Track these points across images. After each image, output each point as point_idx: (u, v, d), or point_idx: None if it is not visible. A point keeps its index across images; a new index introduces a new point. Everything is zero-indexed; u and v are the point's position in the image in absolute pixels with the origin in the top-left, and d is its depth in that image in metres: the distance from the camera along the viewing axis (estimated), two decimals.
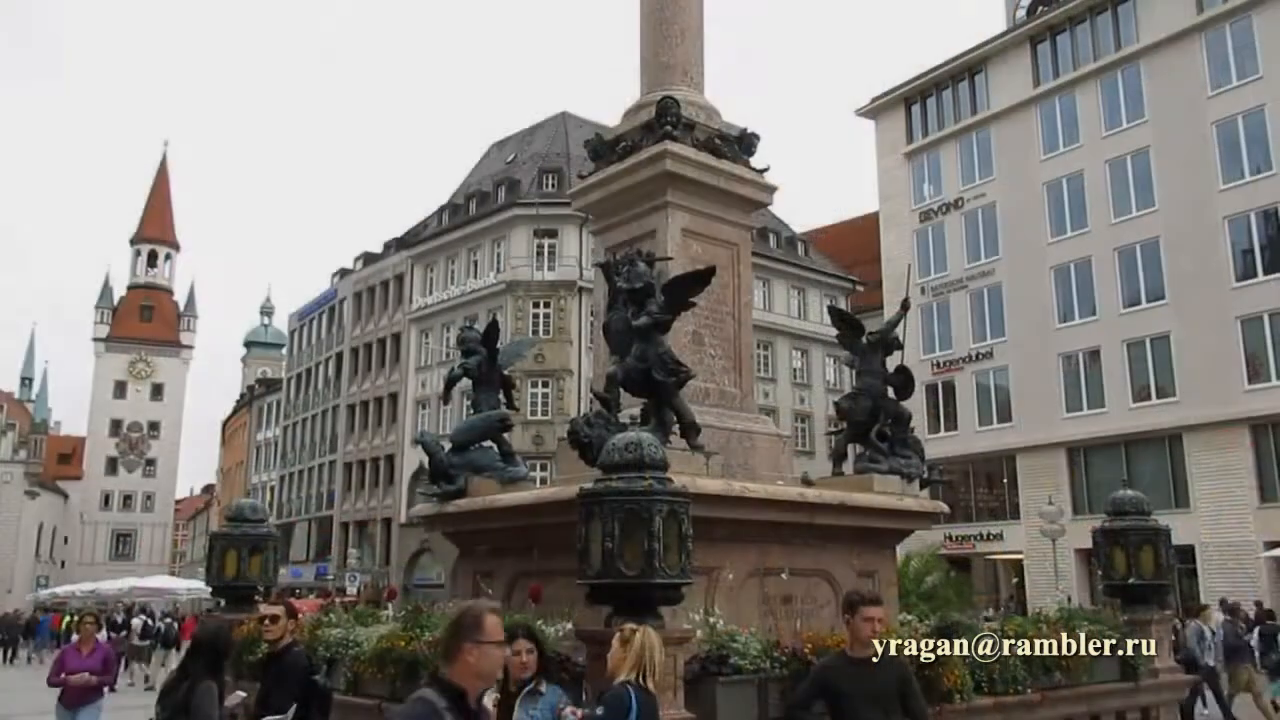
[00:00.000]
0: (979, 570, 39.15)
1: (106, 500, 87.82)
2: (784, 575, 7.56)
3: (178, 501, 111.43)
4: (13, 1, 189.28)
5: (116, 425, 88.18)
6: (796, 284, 53.37)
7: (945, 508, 9.55)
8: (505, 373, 9.78)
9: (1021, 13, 41.75)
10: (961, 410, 39.69)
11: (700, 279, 7.91)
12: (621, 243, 9.45)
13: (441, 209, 52.85)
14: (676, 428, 7.71)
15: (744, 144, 9.75)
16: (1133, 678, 8.03)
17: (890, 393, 9.34)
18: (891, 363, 9.43)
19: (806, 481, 9.26)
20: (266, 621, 6.58)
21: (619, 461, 5.45)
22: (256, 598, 8.95)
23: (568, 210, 42.26)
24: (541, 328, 43.89)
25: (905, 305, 9.59)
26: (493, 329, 9.68)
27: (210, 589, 9.46)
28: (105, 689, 10.79)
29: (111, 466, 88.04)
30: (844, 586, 8.53)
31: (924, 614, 9.03)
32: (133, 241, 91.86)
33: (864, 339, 9.39)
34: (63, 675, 10.38)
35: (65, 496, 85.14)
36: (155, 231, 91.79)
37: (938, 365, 40.42)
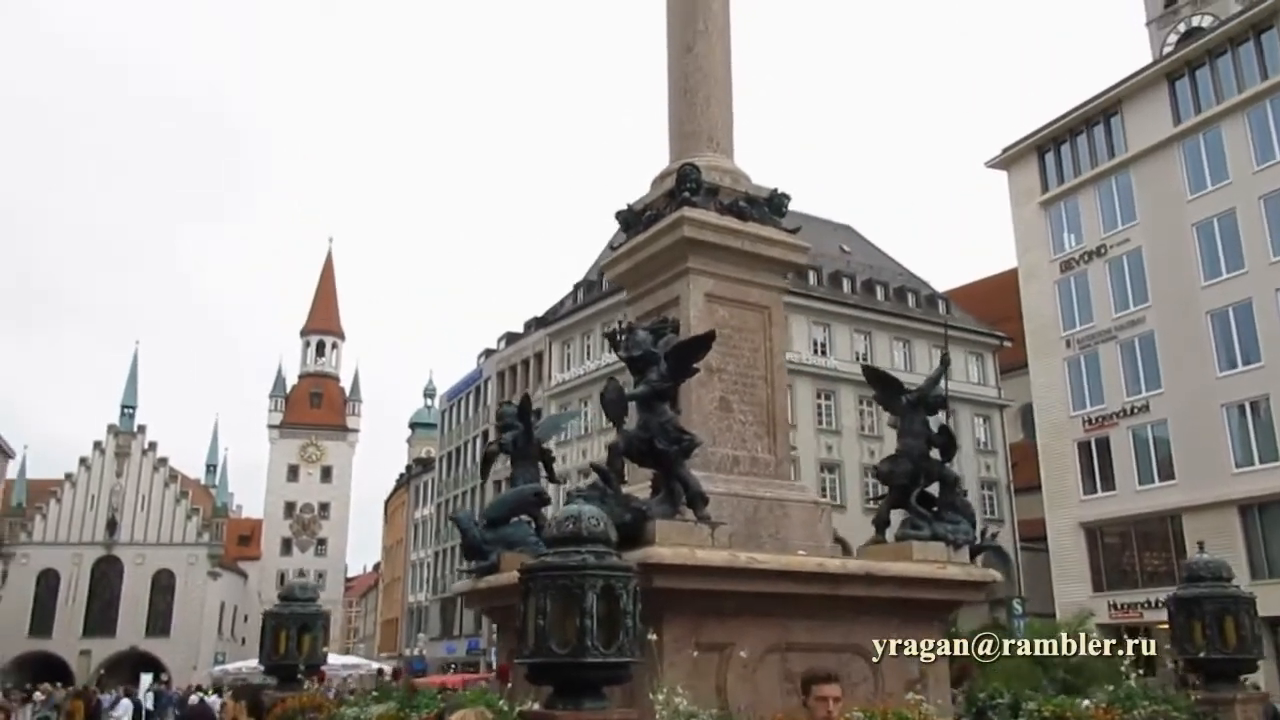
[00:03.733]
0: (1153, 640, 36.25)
1: (282, 579, 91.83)
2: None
3: (349, 579, 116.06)
4: (189, 111, 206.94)
5: (290, 507, 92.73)
6: (939, 343, 51.66)
7: (997, 576, 8.88)
8: (544, 447, 9.79)
9: (1169, 48, 39.98)
10: (1119, 468, 37.28)
11: (701, 344, 7.76)
12: (649, 311, 9.40)
13: (577, 286, 54.07)
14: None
15: (773, 205, 9.58)
16: None
17: (935, 454, 8.83)
18: (934, 423, 8.94)
19: (845, 549, 8.83)
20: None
21: (556, 535, 5.32)
22: (299, 675, 9.10)
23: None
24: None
25: (945, 360, 9.14)
26: (526, 403, 9.72)
27: (263, 667, 9.71)
28: None
29: (286, 547, 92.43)
30: (884, 663, 8.06)
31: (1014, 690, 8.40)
32: (302, 333, 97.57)
33: (903, 398, 8.94)
34: None
35: (244, 576, 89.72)
36: (322, 323, 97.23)
37: (1090, 421, 38.25)
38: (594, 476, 7.72)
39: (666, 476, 7.59)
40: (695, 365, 7.83)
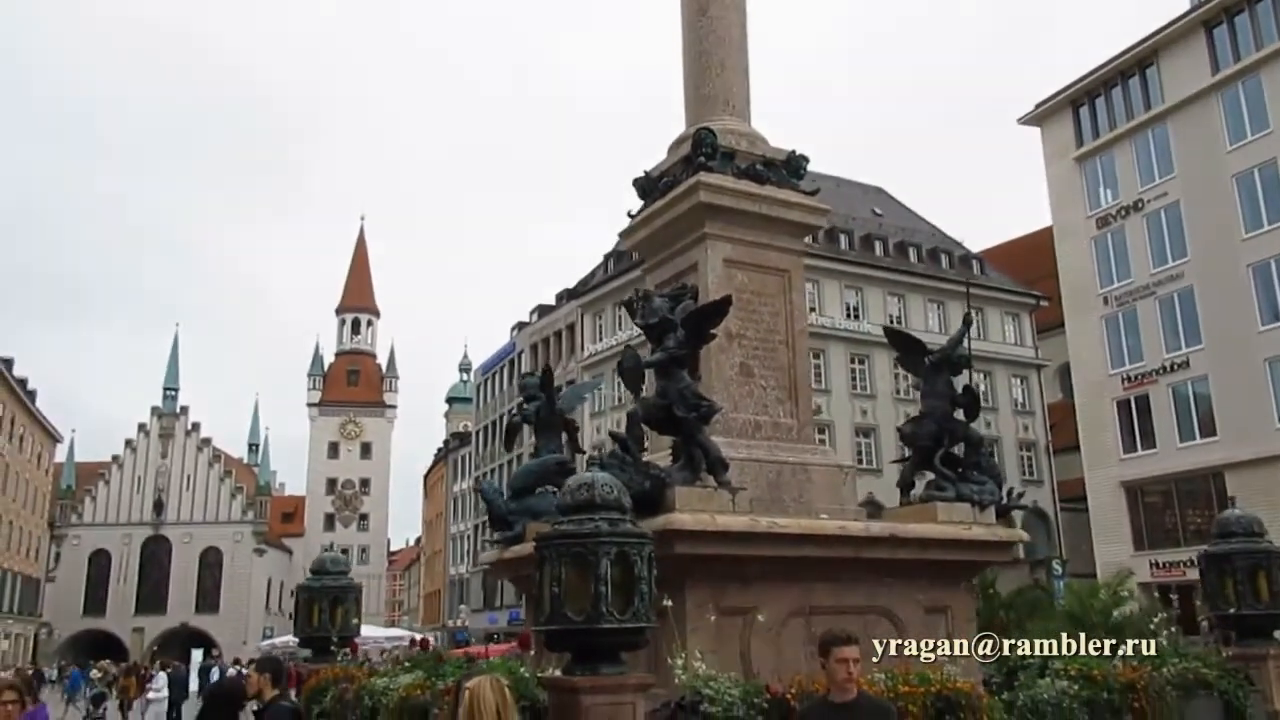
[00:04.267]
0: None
1: None
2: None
3: (392, 553, 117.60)
4: (224, 97, 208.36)
5: (332, 484, 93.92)
6: (974, 304, 51.03)
7: (1024, 535, 8.81)
8: (568, 417, 9.81)
9: None
10: (1159, 426, 36.76)
11: (718, 309, 7.72)
12: (667, 279, 9.36)
13: (607, 257, 53.96)
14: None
15: (791, 168, 9.48)
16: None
17: (960, 415, 8.75)
18: (959, 383, 8.84)
19: (872, 509, 8.78)
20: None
21: (570, 503, 5.34)
22: (331, 647, 9.23)
23: None
24: None
25: (967, 320, 9.01)
26: (548, 374, 9.73)
27: (298, 639, 9.85)
28: None
29: (329, 523, 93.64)
30: (909, 624, 8.05)
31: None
32: (338, 311, 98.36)
33: (926, 359, 8.84)
34: None
35: (289, 553, 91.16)
36: (357, 300, 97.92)
37: (1128, 379, 37.72)
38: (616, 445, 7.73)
39: (686, 443, 7.58)
40: (713, 331, 7.80)
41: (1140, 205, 37.91)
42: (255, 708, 7.08)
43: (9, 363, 61.94)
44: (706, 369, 8.52)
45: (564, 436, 9.68)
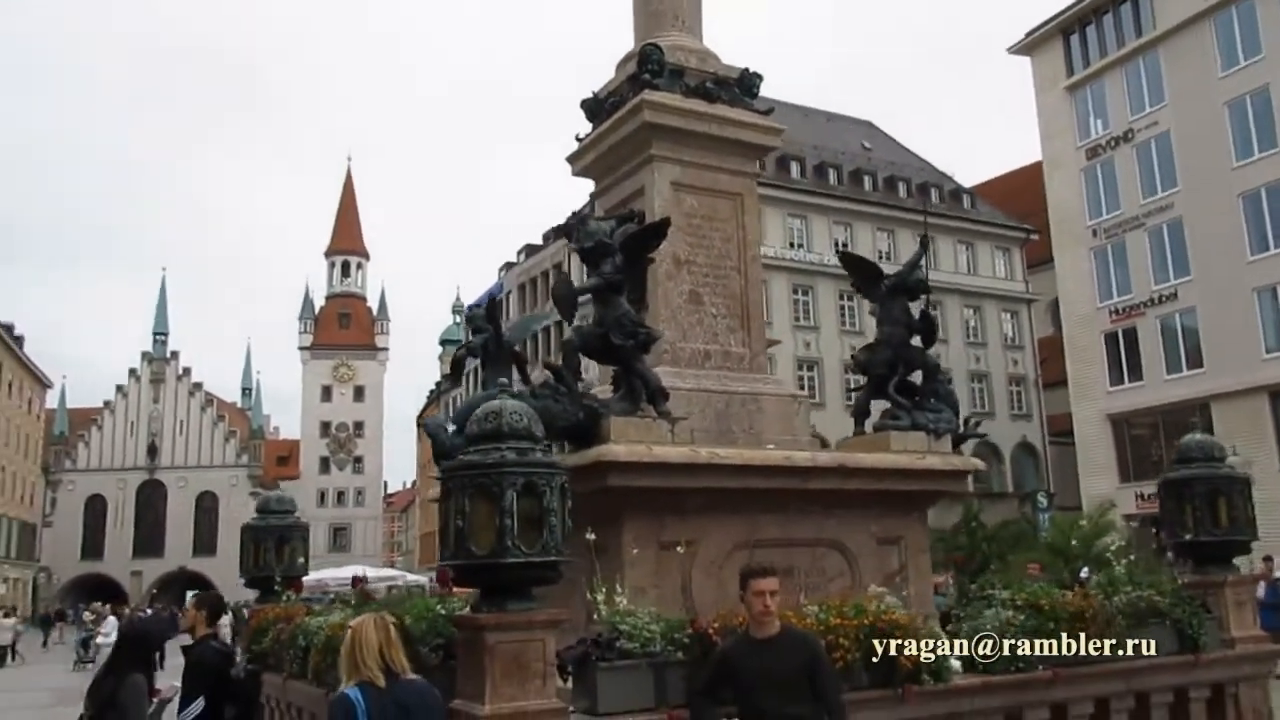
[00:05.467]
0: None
1: (322, 497, 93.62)
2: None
3: (389, 495, 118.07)
4: (206, 40, 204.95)
5: (325, 427, 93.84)
6: (964, 239, 50.62)
7: (978, 464, 8.57)
8: (515, 349, 9.50)
9: None
10: (1146, 359, 36.63)
11: (655, 232, 7.40)
12: (616, 204, 9.01)
13: (593, 194, 53.32)
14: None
15: (744, 86, 9.06)
16: (1192, 649, 6.91)
17: (917, 341, 8.46)
18: (916, 309, 8.54)
19: (823, 442, 8.54)
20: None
21: (476, 433, 5.05)
22: (275, 587, 9.04)
23: None
24: None
25: (924, 243, 8.67)
26: (493, 306, 9.41)
27: (244, 580, 9.65)
28: None
29: (324, 466, 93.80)
30: (861, 556, 7.86)
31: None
32: (327, 254, 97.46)
33: (882, 284, 8.53)
34: None
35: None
36: (346, 243, 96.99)
37: (1116, 312, 37.48)
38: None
39: (626, 373, 7.30)
40: (652, 256, 7.48)
41: (1130, 135, 37.33)
42: (186, 643, 6.92)
43: None
44: (654, 297, 8.22)
45: (513, 370, 9.37)
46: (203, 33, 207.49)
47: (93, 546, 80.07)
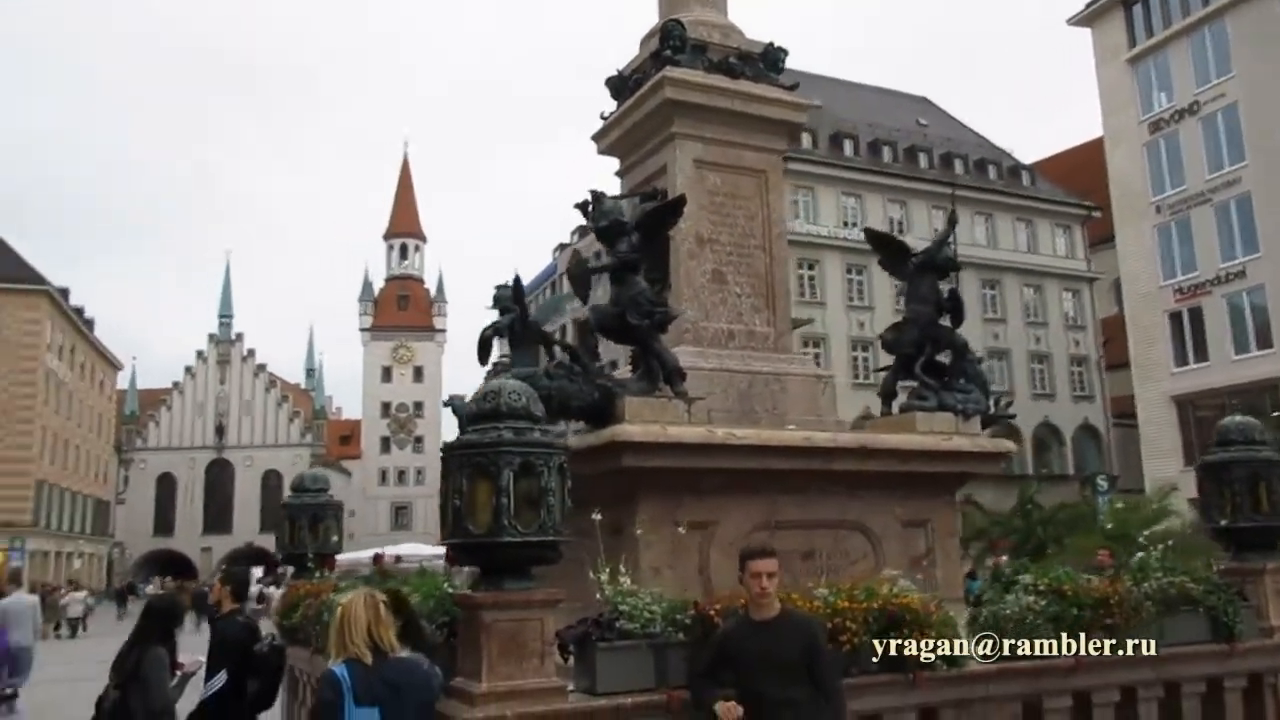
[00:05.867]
0: None
1: (384, 476, 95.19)
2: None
3: None
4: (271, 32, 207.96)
5: (386, 407, 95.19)
6: (1023, 217, 49.53)
7: (1010, 446, 8.36)
8: (543, 329, 9.49)
9: None
10: (1212, 339, 35.56)
11: (672, 210, 7.33)
12: (640, 182, 8.95)
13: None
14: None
15: (769, 60, 8.93)
16: (1227, 638, 6.68)
17: (945, 320, 8.28)
18: (946, 286, 8.35)
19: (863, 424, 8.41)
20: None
21: (475, 412, 5.04)
22: (309, 564, 9.18)
23: (799, 166, 41.51)
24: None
25: (952, 219, 8.47)
26: (519, 285, 9.38)
27: (281, 556, 9.82)
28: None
29: (385, 445, 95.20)
30: (885, 539, 7.75)
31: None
32: (385, 237, 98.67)
33: (910, 261, 8.35)
34: None
35: (348, 474, 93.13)
36: (403, 226, 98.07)
37: (1181, 291, 36.42)
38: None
39: (644, 352, 7.25)
40: (669, 233, 7.41)
41: (1196, 108, 36.13)
42: (214, 616, 7.05)
43: (65, 292, 63.21)
44: (677, 276, 8.15)
45: (540, 349, 9.37)
46: (267, 12, 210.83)
47: (164, 523, 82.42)
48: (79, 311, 66.91)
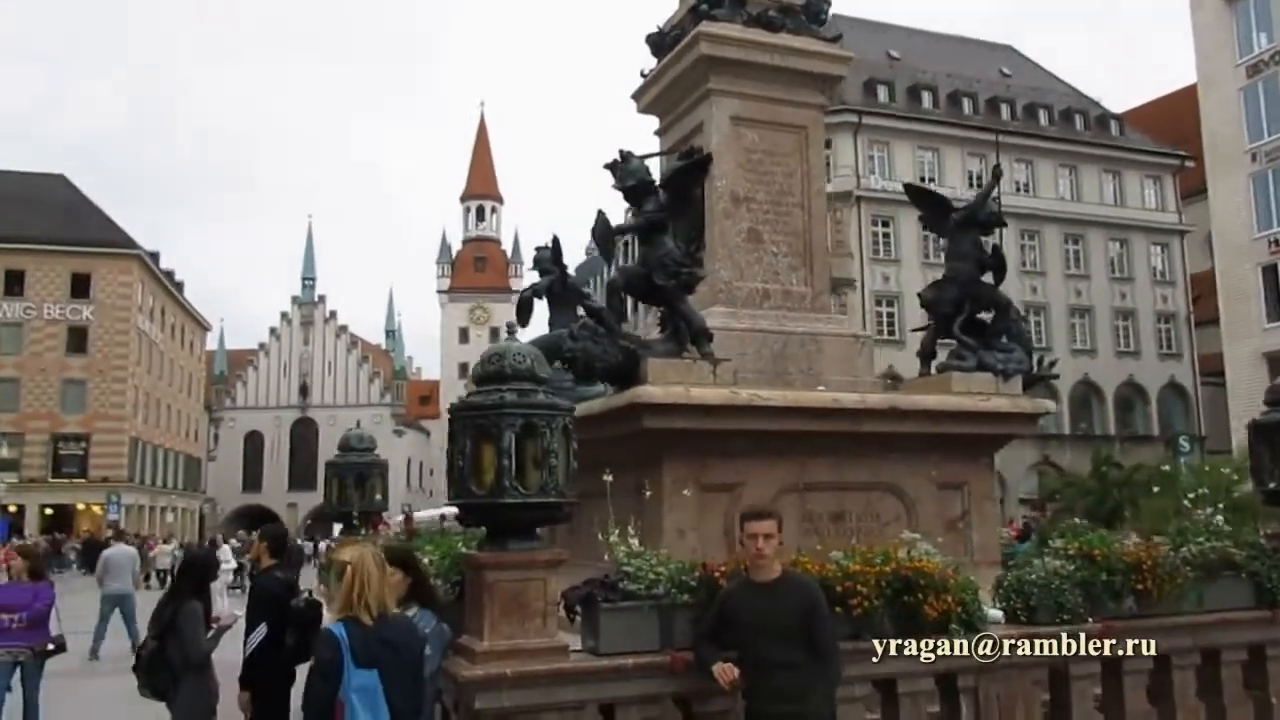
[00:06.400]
0: None
1: None
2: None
3: None
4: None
5: (464, 367, 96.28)
6: (1110, 168, 47.85)
7: (1049, 405, 8.13)
8: (582, 290, 9.51)
9: None
10: None
11: (698, 169, 7.22)
12: (678, 141, 8.83)
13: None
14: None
15: (811, 12, 8.70)
16: (1270, 604, 6.44)
17: (988, 278, 8.05)
18: (989, 243, 8.10)
19: (890, 383, 8.26)
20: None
21: (480, 374, 5.07)
22: (354, 521, 9.40)
23: (839, 119, 40.68)
24: None
25: (997, 173, 8.20)
26: (557, 246, 9.39)
27: (328, 514, 10.07)
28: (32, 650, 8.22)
29: None
30: (919, 501, 7.62)
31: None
32: (462, 199, 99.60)
33: (952, 217, 8.11)
34: None
35: (427, 434, 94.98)
36: (480, 188, 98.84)
37: (1276, 243, 34.88)
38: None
39: (670, 314, 7.20)
40: (701, 193, 7.31)
41: None
42: (253, 572, 7.30)
43: (155, 256, 65.25)
44: (711, 235, 8.03)
45: (578, 310, 9.38)
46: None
47: (252, 479, 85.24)
48: (169, 275, 69.07)
